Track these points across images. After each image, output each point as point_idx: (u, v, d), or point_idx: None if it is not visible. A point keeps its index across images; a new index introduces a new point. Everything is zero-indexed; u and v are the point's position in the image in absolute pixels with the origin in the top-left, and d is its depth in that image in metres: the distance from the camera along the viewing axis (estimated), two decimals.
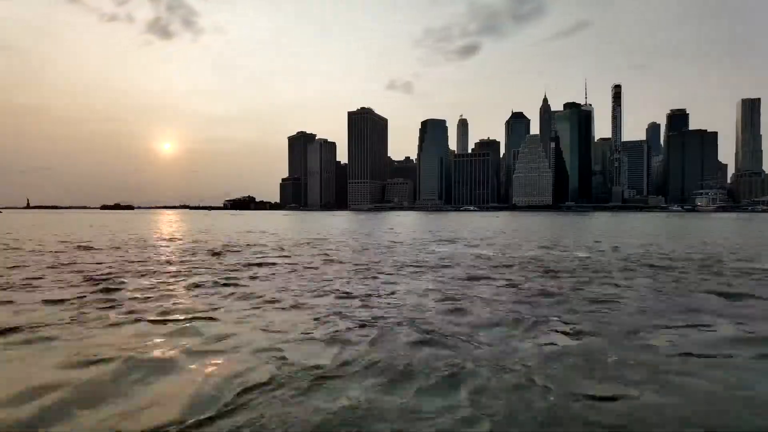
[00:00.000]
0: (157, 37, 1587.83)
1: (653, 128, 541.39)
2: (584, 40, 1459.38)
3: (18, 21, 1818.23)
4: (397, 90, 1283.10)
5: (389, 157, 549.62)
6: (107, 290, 13.67)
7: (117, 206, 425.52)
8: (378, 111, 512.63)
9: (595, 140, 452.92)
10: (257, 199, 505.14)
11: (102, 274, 16.84)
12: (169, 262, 21.16)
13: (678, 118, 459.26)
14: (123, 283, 15.10)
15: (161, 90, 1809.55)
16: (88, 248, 28.25)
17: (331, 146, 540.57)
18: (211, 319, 10.34)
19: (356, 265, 20.25)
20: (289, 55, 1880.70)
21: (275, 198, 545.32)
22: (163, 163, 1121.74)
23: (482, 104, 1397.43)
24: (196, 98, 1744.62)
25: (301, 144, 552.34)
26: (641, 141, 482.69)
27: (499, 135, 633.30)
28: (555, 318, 10.44)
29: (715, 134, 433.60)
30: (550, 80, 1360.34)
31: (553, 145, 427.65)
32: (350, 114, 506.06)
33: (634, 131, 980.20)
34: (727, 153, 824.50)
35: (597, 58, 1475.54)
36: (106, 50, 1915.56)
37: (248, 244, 31.70)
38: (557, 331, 9.33)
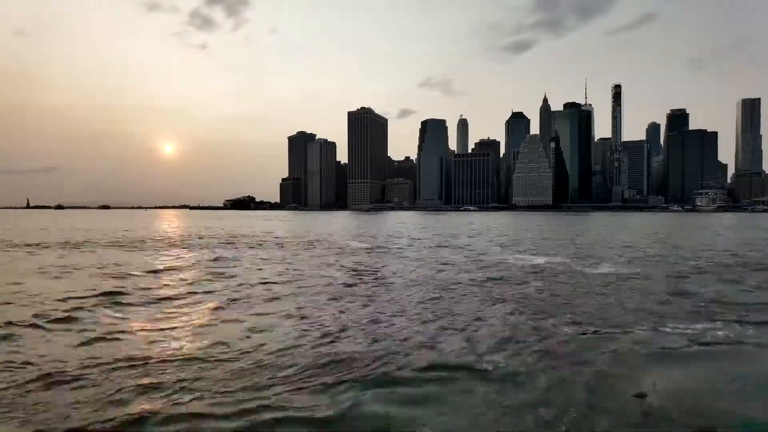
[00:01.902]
0: (180, 34, 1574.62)
1: (653, 128, 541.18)
2: (647, 35, 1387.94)
3: (37, 10, 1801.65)
4: (433, 88, 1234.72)
5: (389, 157, 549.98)
6: None
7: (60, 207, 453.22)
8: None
9: (595, 140, 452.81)
10: (257, 199, 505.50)
11: None
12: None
13: (678, 118, 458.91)
14: None
15: (165, 90, 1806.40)
16: None
17: (331, 146, 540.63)
18: None
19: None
20: (324, 53, 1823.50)
21: (275, 198, 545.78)
22: (165, 163, 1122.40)
23: (529, 103, 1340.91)
24: (203, 98, 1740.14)
25: (301, 144, 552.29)
26: (641, 141, 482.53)
27: (499, 135, 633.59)
28: None
29: (715, 134, 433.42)
30: (605, 77, 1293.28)
31: (553, 145, 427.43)
32: (350, 114, 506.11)
33: (634, 131, 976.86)
34: (727, 153, 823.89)
35: (657, 54, 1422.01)
36: (127, 47, 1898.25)
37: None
38: None
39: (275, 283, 17.21)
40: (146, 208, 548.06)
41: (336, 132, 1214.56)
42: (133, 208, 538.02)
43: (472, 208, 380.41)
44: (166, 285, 16.77)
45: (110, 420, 6.04)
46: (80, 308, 12.61)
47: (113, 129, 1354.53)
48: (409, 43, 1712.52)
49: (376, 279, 18.33)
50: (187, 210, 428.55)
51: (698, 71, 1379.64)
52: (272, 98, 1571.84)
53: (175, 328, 10.70)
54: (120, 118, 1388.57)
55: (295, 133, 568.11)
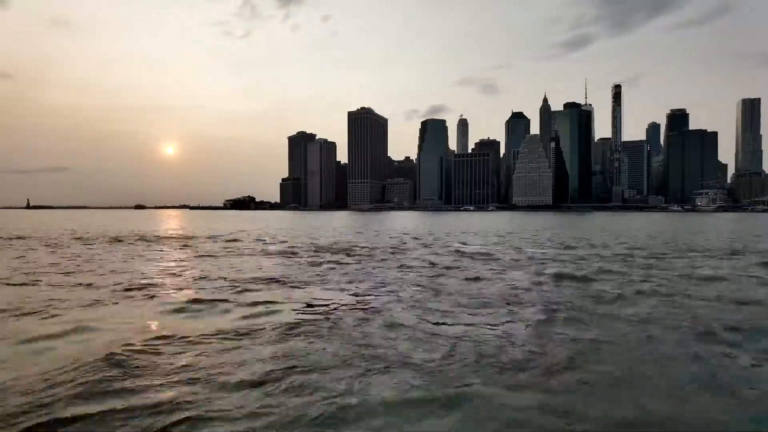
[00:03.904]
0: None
1: (653, 128, 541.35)
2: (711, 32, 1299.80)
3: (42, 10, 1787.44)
4: (472, 86, 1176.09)
5: (389, 157, 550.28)
6: None
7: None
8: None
9: (595, 140, 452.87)
10: (257, 199, 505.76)
11: None
12: None
13: (678, 118, 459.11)
14: None
15: (167, 89, 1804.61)
16: None
17: (331, 146, 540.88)
18: None
19: None
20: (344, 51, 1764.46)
21: (275, 198, 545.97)
22: (164, 163, 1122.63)
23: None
24: (205, 97, 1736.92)
25: (301, 144, 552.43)
26: (641, 141, 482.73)
27: (499, 135, 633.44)
28: None
29: (715, 134, 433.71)
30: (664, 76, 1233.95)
31: (553, 145, 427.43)
32: (350, 114, 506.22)
33: (634, 131, 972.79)
34: (727, 153, 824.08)
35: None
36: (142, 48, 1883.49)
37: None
38: None
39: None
40: (145, 208, 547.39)
41: (336, 132, 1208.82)
42: (132, 208, 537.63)
43: (471, 208, 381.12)
44: None
45: None
46: None
47: (113, 129, 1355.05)
48: (445, 39, 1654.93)
49: None
50: (188, 210, 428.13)
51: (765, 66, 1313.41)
52: (275, 98, 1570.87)
53: None
54: (120, 118, 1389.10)
55: (295, 133, 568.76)
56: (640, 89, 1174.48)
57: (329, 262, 22.62)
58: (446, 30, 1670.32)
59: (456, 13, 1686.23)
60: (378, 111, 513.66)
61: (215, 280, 16.89)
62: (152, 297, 13.71)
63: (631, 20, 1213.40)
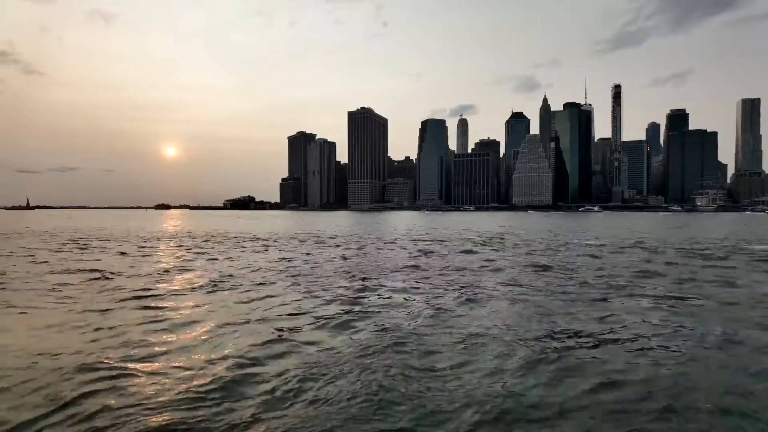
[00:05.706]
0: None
1: (653, 128, 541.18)
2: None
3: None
4: (507, 83, 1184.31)
5: (389, 156, 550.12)
6: None
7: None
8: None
9: (595, 140, 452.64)
10: (257, 199, 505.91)
11: None
12: None
13: (678, 118, 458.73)
14: None
15: (166, 87, 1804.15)
16: None
17: (331, 146, 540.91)
18: None
19: None
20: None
21: (275, 198, 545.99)
22: (165, 163, 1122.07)
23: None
24: (205, 96, 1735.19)
25: (301, 144, 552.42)
26: (641, 141, 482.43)
27: (499, 135, 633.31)
28: None
29: (715, 134, 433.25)
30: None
31: (553, 145, 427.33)
32: (350, 114, 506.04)
33: (634, 131, 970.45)
34: (727, 153, 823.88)
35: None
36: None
37: None
38: None
39: None
40: (146, 208, 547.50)
41: (336, 132, 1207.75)
42: (132, 207, 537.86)
43: (471, 208, 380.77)
44: None
45: None
46: None
47: (113, 128, 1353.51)
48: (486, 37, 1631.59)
49: None
50: (188, 210, 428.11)
51: None
52: (275, 97, 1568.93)
53: None
54: (119, 117, 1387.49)
55: (295, 133, 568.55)
56: (687, 87, 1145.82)
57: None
58: (501, 25, 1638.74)
59: (499, 7, 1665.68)
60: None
61: None
62: None
63: (688, 17, 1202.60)
